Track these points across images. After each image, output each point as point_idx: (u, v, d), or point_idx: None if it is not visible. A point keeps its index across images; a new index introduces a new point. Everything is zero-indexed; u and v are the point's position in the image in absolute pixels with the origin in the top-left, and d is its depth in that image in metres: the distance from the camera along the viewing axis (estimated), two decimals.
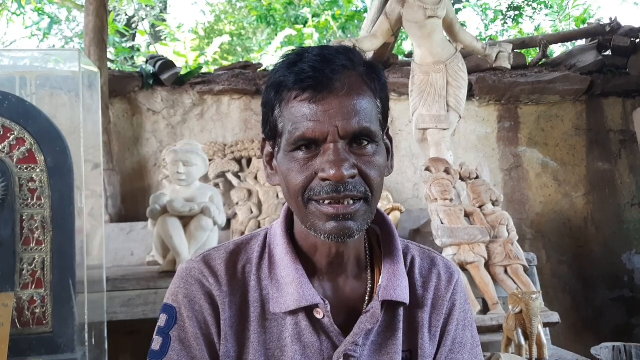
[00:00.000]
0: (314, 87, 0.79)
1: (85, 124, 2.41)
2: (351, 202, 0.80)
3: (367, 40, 3.27)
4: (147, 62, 4.01)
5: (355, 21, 7.52)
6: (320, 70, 0.79)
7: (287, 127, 0.81)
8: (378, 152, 0.83)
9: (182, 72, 3.89)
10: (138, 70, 4.00)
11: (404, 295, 0.90)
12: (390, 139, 0.92)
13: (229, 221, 3.47)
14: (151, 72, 3.79)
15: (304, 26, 7.54)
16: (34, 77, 2.44)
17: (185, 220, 2.79)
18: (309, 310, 0.86)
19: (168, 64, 3.83)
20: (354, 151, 0.80)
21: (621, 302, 3.90)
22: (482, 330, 2.49)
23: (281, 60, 0.85)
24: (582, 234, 3.95)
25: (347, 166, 0.78)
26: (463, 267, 2.69)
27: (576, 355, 2.36)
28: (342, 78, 0.80)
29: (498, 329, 2.44)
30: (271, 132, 0.86)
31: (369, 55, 4.04)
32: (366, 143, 0.81)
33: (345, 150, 0.79)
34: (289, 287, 0.86)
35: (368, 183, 0.81)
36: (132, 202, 3.57)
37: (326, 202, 0.80)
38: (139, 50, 7.56)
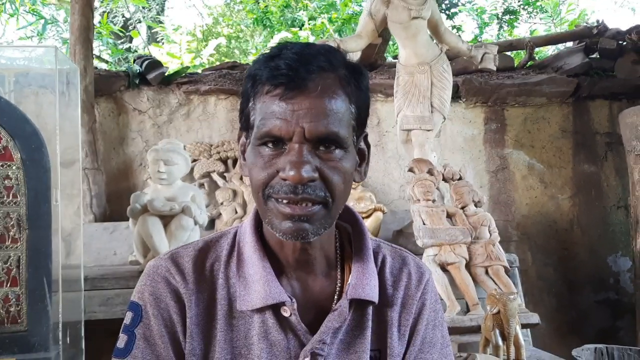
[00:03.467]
0: (285, 84, 0.78)
1: (65, 121, 2.41)
2: (309, 204, 0.80)
3: (352, 41, 3.28)
4: (134, 61, 4.00)
5: (352, 24, 7.52)
6: (295, 69, 0.78)
7: (257, 121, 0.81)
8: (345, 158, 0.82)
9: (169, 72, 3.89)
10: (125, 69, 3.99)
11: (372, 294, 0.90)
12: (368, 146, 0.92)
13: (213, 221, 3.46)
14: (137, 71, 3.78)
15: (300, 29, 7.54)
16: (12, 75, 2.43)
17: (166, 219, 2.78)
18: (276, 308, 0.86)
19: (155, 64, 3.82)
20: (319, 154, 0.80)
21: (606, 305, 3.89)
22: (461, 330, 2.49)
23: (264, 52, 0.84)
24: (567, 236, 3.95)
25: (307, 169, 0.77)
26: (444, 267, 2.68)
27: (554, 357, 2.36)
28: (316, 79, 0.79)
29: (478, 329, 2.43)
30: (245, 124, 0.86)
31: (356, 55, 4.04)
32: (333, 147, 0.80)
33: (309, 152, 0.78)
34: (256, 284, 0.86)
35: (329, 188, 0.80)
36: (117, 202, 3.55)
37: (284, 201, 0.80)
38: (135, 52, 7.56)
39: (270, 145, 0.80)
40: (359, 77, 0.85)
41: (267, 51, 0.84)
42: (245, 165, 0.89)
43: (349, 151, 0.83)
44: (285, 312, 0.86)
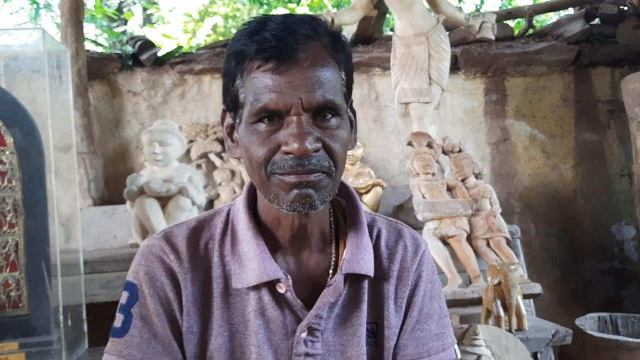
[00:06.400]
0: (277, 57, 0.76)
1: (57, 104, 2.38)
2: (315, 173, 0.79)
3: (347, 13, 3.21)
4: (127, 42, 3.95)
5: None
6: (283, 40, 0.77)
7: (249, 98, 0.79)
8: (342, 126, 0.82)
9: (162, 52, 3.83)
10: (118, 51, 3.94)
11: (367, 268, 0.90)
12: (354, 112, 0.91)
13: (211, 202, 3.45)
14: (130, 52, 3.73)
15: (297, 5, 7.43)
16: (1, 59, 2.40)
17: (164, 200, 2.77)
18: (271, 285, 0.87)
19: (147, 44, 3.76)
20: (317, 124, 0.79)
21: (611, 274, 3.88)
22: (463, 303, 2.48)
23: (242, 27, 0.82)
24: (571, 206, 3.91)
25: (310, 140, 0.77)
26: (445, 240, 2.66)
27: (556, 325, 2.35)
28: (306, 48, 0.78)
29: (479, 301, 2.42)
30: (232, 103, 0.84)
31: (353, 29, 3.97)
32: (330, 116, 0.80)
33: (309, 123, 0.78)
34: (251, 262, 0.86)
35: (332, 157, 0.80)
36: (114, 185, 3.53)
37: (290, 175, 0.79)
38: (131, 34, 7.49)
39: (266, 120, 0.79)
40: (343, 43, 0.84)
41: (245, 27, 0.81)
42: (235, 147, 0.89)
43: (344, 118, 0.83)
44: (281, 289, 0.86)
